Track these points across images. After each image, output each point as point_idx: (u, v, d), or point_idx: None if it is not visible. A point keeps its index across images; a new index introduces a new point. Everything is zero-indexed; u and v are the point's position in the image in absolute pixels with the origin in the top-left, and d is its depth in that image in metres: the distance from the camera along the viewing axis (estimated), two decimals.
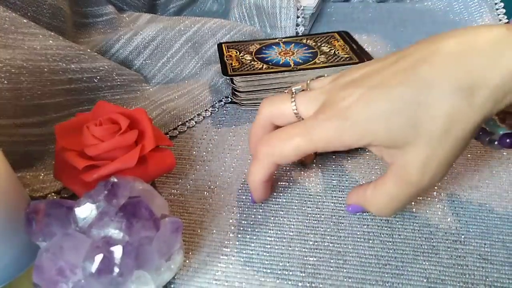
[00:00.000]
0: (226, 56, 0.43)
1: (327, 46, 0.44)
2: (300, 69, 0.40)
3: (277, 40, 0.47)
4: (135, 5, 0.56)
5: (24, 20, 0.35)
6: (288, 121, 0.28)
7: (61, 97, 0.37)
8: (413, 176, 0.24)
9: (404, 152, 0.24)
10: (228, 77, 0.41)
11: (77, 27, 0.48)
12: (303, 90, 0.28)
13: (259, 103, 0.33)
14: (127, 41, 0.46)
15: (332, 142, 0.25)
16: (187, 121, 0.40)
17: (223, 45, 0.46)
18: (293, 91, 0.28)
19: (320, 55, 0.43)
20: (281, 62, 0.42)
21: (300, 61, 0.42)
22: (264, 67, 0.41)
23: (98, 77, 0.40)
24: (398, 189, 0.25)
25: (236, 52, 0.44)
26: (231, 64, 0.42)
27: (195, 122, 0.41)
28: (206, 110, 0.42)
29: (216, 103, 0.43)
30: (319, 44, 0.45)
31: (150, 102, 0.42)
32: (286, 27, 0.52)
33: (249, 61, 0.42)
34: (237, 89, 0.41)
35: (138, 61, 0.47)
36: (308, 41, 0.45)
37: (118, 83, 0.42)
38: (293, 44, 0.45)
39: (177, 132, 0.39)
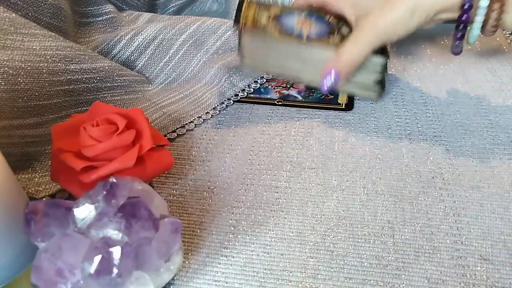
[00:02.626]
0: (243, 13, 0.41)
1: (346, 30, 0.41)
2: (308, 44, 0.39)
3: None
4: (134, 4, 0.56)
5: (24, 21, 0.35)
6: None
7: (60, 98, 0.37)
8: (384, 29, 0.35)
9: (378, 15, 0.35)
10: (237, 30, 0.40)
11: (77, 27, 0.47)
12: None
13: (262, 69, 0.38)
14: (128, 42, 0.46)
15: None
16: (186, 124, 0.40)
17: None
18: None
19: (336, 35, 0.40)
20: (294, 32, 0.40)
21: (314, 36, 0.40)
22: (276, 32, 0.39)
23: (98, 78, 0.40)
24: (367, 36, 0.36)
25: (256, 8, 0.41)
26: (245, 23, 0.40)
27: (195, 125, 0.40)
28: (207, 113, 0.42)
29: (218, 105, 0.42)
30: (340, 25, 0.41)
31: (151, 104, 0.42)
32: None
33: (264, 22, 0.40)
34: (242, 49, 0.40)
35: (140, 62, 0.47)
36: (330, 19, 0.42)
37: (119, 84, 0.42)
38: (315, 17, 0.42)
39: (176, 135, 0.39)
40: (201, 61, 0.47)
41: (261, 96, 0.44)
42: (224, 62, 0.47)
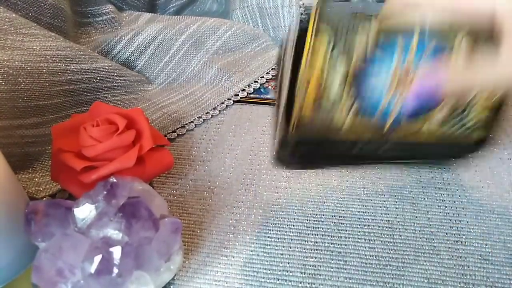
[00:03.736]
0: (305, 70, 0.21)
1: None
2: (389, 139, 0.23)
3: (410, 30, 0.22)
4: (135, 4, 0.56)
5: (25, 21, 0.35)
6: None
7: (60, 98, 0.37)
8: None
9: None
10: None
11: (77, 27, 0.47)
12: None
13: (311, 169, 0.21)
14: (128, 42, 0.46)
15: None
16: (186, 124, 0.40)
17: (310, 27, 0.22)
18: None
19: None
20: (378, 111, 0.22)
21: (409, 111, 0.22)
22: (348, 121, 0.22)
23: (98, 78, 0.40)
24: None
25: (328, 50, 0.22)
26: (301, 107, 0.21)
27: (195, 125, 0.40)
28: (207, 113, 0.42)
29: (218, 105, 0.42)
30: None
31: (151, 104, 0.42)
32: (290, 26, 0.52)
33: (334, 94, 0.22)
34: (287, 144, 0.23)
35: (141, 62, 0.47)
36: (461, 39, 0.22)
37: (119, 84, 0.42)
38: (434, 42, 0.22)
39: (176, 135, 0.39)
40: (201, 61, 0.47)
41: (261, 96, 0.44)
42: (224, 63, 0.47)
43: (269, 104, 0.43)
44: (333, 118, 0.22)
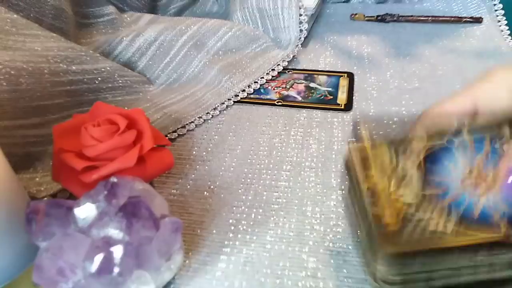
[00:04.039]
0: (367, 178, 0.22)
1: None
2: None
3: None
4: (135, 5, 0.56)
5: (26, 21, 0.35)
6: None
7: (61, 99, 0.37)
8: None
9: None
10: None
11: (78, 28, 0.48)
12: None
13: None
14: (129, 43, 0.46)
15: None
16: (187, 124, 0.40)
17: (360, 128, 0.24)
18: None
19: None
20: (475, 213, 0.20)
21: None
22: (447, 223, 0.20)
23: (100, 79, 0.40)
24: None
25: (392, 157, 0.22)
26: (382, 219, 0.20)
27: (195, 125, 0.40)
28: (208, 113, 0.42)
29: (218, 105, 0.43)
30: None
31: (152, 105, 0.42)
32: (290, 26, 0.52)
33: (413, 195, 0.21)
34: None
35: (142, 63, 0.47)
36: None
37: (120, 84, 0.42)
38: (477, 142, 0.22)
39: (176, 135, 0.39)
40: (202, 62, 0.47)
41: (261, 96, 0.44)
42: (225, 64, 0.47)
43: (269, 104, 0.43)
44: (424, 224, 0.20)
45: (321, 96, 0.43)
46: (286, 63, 0.48)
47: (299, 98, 0.43)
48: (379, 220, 0.20)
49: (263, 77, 0.46)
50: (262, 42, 0.51)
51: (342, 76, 0.47)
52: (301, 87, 0.45)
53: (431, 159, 0.22)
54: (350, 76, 0.47)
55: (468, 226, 0.20)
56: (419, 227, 0.20)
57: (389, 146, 0.23)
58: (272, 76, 0.47)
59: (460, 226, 0.20)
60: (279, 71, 0.48)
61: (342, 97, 0.43)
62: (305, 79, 0.47)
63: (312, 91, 0.44)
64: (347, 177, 0.24)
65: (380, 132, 0.24)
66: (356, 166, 0.23)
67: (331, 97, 0.43)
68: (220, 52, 0.48)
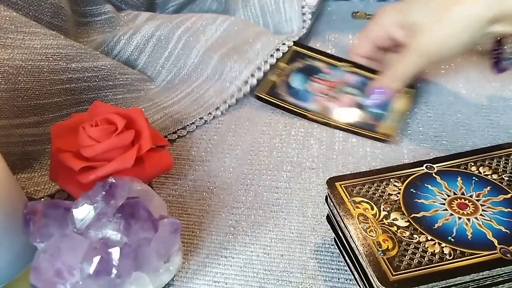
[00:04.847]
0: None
1: None
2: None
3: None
4: (133, 4, 0.56)
5: (25, 19, 0.35)
6: None
7: (61, 97, 0.37)
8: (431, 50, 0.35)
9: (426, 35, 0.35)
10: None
11: (77, 27, 0.47)
12: None
13: None
14: (127, 41, 0.46)
15: None
16: (187, 125, 0.40)
17: None
18: None
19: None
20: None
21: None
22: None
23: (100, 76, 0.40)
24: (416, 59, 0.36)
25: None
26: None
27: (196, 126, 0.40)
28: (209, 114, 0.41)
29: (220, 105, 0.42)
30: None
31: (153, 104, 0.42)
32: (292, 18, 0.52)
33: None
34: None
35: (141, 60, 0.46)
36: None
37: (121, 82, 0.42)
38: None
39: (176, 136, 0.39)
40: (201, 52, 0.45)
41: (298, 102, 0.41)
42: (224, 51, 0.45)
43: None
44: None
45: (367, 121, 0.38)
46: (291, 43, 0.46)
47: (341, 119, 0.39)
48: (378, 246, 0.22)
49: (266, 61, 0.44)
50: (260, 28, 0.50)
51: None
52: (350, 101, 0.41)
53: (414, 185, 0.25)
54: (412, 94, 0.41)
55: (464, 247, 0.21)
56: (418, 251, 0.21)
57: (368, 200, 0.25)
58: (277, 59, 0.44)
59: (457, 248, 0.21)
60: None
61: (389, 126, 0.38)
62: (359, 86, 0.42)
63: (361, 110, 0.40)
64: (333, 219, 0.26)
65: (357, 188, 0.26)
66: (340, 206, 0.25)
67: (375, 123, 0.38)
68: (219, 40, 0.47)
